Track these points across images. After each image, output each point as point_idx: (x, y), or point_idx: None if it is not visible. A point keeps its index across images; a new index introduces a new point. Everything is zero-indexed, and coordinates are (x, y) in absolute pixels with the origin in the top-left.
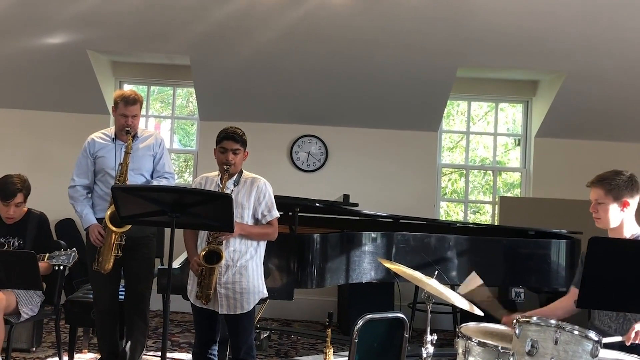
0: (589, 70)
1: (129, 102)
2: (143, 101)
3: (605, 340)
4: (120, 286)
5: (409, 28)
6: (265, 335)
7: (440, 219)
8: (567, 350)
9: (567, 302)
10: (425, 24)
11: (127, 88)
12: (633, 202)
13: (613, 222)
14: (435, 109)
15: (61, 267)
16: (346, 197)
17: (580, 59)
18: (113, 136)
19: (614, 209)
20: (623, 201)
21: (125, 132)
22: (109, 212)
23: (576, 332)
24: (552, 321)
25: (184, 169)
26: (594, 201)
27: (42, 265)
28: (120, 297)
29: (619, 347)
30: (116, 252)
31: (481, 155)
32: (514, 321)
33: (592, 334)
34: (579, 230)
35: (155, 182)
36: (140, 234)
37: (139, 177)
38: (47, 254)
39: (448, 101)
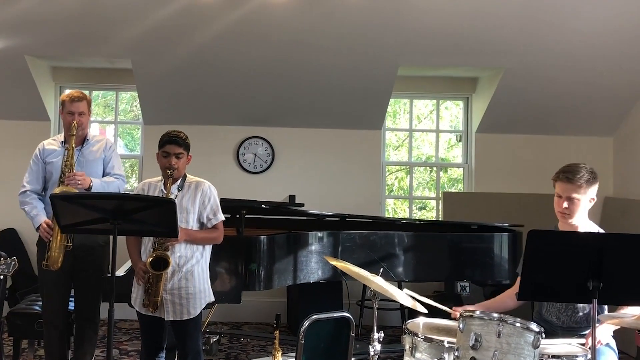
0: (526, 66)
1: (75, 99)
2: (91, 101)
3: (570, 341)
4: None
5: (349, 27)
6: (214, 339)
7: (387, 216)
8: (510, 343)
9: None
10: (365, 24)
11: None
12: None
13: (582, 218)
14: (378, 107)
15: (1, 277)
16: (292, 197)
17: (517, 55)
18: (62, 140)
19: (585, 204)
20: (592, 196)
21: (75, 125)
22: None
23: (518, 325)
24: (495, 314)
25: (130, 174)
26: (564, 196)
27: None
28: (70, 307)
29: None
30: (65, 242)
31: (427, 152)
32: (458, 315)
33: (533, 326)
34: (520, 223)
35: (105, 178)
36: (91, 242)
37: None
38: None
39: (391, 100)
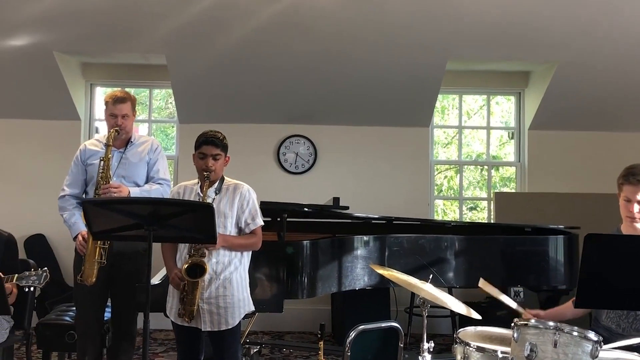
0: (580, 58)
1: (118, 100)
2: (135, 101)
3: (624, 342)
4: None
5: (396, 21)
6: (255, 350)
7: (436, 217)
8: (567, 353)
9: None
10: (413, 17)
11: (100, 91)
12: None
13: None
14: (426, 103)
15: (31, 289)
16: (336, 200)
17: (572, 47)
18: (106, 142)
19: None
20: None
21: (115, 131)
22: None
23: (575, 334)
24: (551, 323)
25: None
26: (634, 200)
27: (13, 290)
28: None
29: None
30: (100, 258)
31: (477, 150)
32: (512, 324)
33: (592, 335)
34: (576, 225)
35: (146, 186)
36: (129, 249)
37: (131, 185)
38: (16, 275)
39: (439, 95)
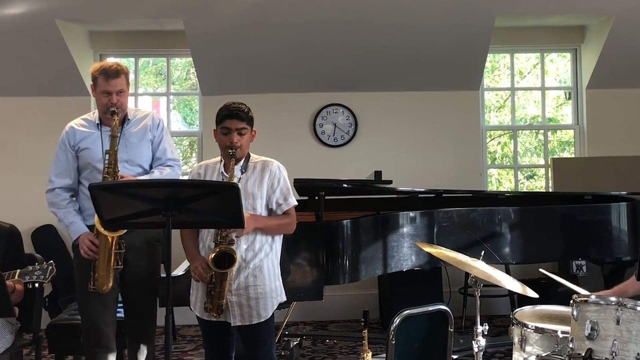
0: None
1: (111, 75)
2: (129, 73)
3: None
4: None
5: None
6: (295, 342)
7: (490, 188)
8: (631, 330)
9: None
10: None
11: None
12: None
13: None
14: (474, 64)
15: (36, 285)
16: (377, 173)
17: None
18: (97, 121)
19: None
20: None
21: (111, 113)
22: None
23: (639, 309)
24: (612, 298)
25: (189, 154)
26: None
27: (17, 287)
28: (118, 314)
29: None
30: (116, 264)
31: (532, 113)
32: (571, 302)
33: None
34: None
35: (157, 173)
36: (137, 241)
37: (136, 169)
38: (18, 271)
39: (489, 55)
